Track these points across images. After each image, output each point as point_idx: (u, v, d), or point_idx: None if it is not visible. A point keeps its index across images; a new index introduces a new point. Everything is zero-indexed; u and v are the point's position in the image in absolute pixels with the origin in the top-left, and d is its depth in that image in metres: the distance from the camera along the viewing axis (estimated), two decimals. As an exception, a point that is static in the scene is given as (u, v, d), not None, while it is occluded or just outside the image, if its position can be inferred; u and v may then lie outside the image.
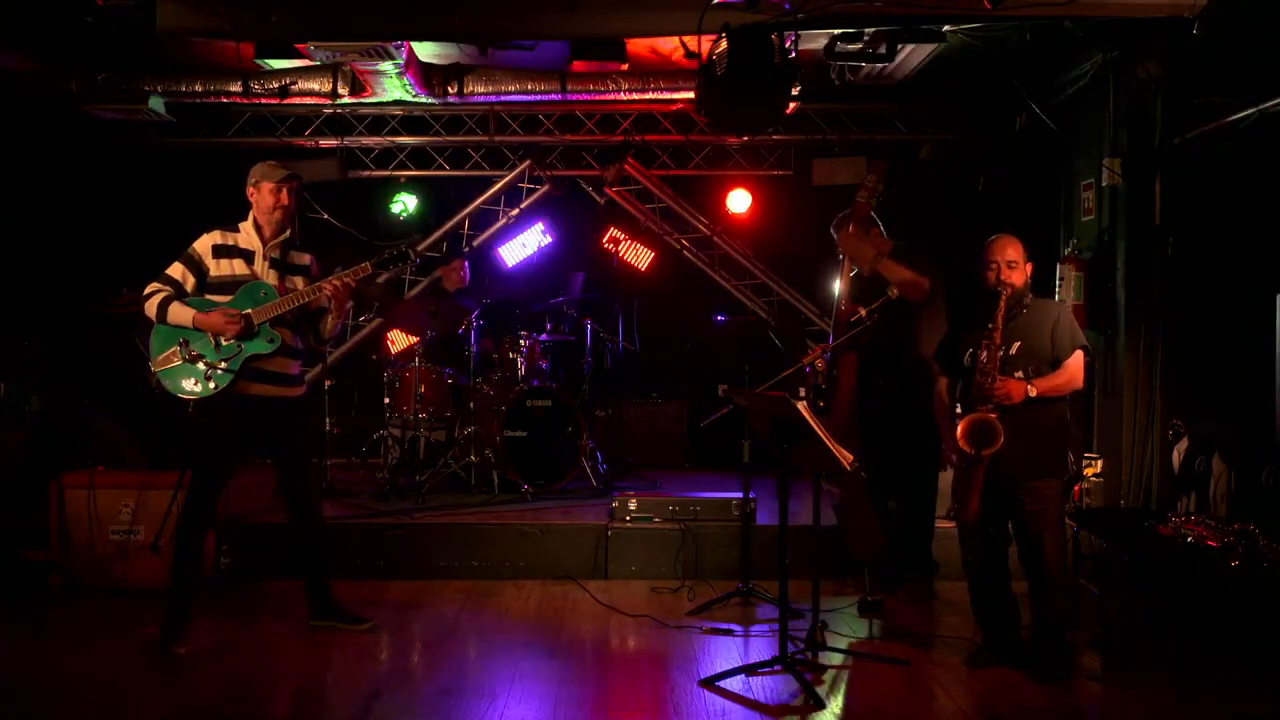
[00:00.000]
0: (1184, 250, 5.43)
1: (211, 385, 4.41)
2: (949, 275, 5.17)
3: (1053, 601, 4.21)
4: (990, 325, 4.18)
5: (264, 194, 4.53)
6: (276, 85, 6.91)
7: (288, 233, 4.61)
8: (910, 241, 5.34)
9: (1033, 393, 4.12)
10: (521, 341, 7.23)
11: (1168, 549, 4.23)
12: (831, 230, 5.37)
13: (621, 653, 4.62)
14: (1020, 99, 6.65)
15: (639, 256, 8.39)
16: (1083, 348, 4.24)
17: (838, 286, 5.31)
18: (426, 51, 6.84)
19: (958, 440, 4.12)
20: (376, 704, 3.95)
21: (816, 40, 6.20)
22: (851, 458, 4.18)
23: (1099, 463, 5.47)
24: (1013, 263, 4.26)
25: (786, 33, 5.04)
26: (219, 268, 4.50)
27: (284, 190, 4.53)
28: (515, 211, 8.41)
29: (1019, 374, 4.18)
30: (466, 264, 7.89)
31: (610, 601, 5.29)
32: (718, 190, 8.48)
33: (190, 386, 4.42)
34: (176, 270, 4.49)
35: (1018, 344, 4.23)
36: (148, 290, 4.46)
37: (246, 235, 4.56)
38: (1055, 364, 4.22)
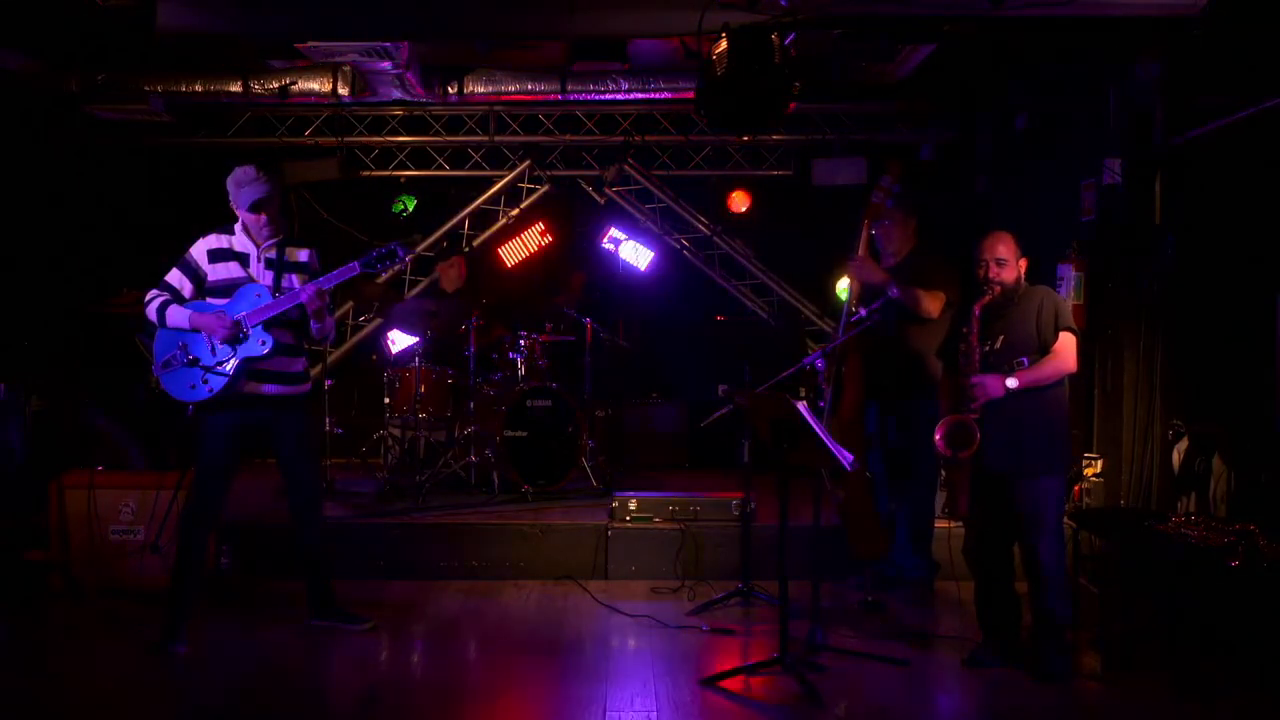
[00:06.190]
0: (1184, 250, 5.42)
1: (207, 388, 4.42)
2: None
3: (1048, 600, 4.20)
4: (965, 328, 4.17)
5: (237, 210, 4.55)
6: (276, 85, 6.90)
7: (282, 234, 4.60)
8: (930, 243, 5.36)
9: (1012, 384, 4.08)
10: (521, 341, 7.23)
11: (1168, 549, 4.22)
12: (865, 217, 5.32)
13: (622, 653, 4.62)
14: (1020, 99, 6.64)
15: (639, 256, 8.39)
16: (1069, 329, 4.17)
17: (844, 286, 5.31)
18: (427, 51, 6.84)
19: (938, 443, 4.13)
20: (376, 704, 3.95)
21: (816, 40, 6.19)
22: (852, 457, 4.18)
23: (1099, 463, 5.46)
24: (1002, 260, 4.21)
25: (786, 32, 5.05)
26: (215, 271, 4.51)
27: (246, 212, 4.50)
28: (515, 211, 8.42)
29: (1007, 369, 4.15)
30: (464, 261, 7.88)
31: (610, 601, 5.29)
32: (718, 190, 8.48)
33: (188, 390, 4.44)
34: (174, 277, 4.52)
35: (1001, 338, 4.20)
36: (147, 297, 4.51)
37: (241, 237, 4.57)
38: (1045, 350, 4.17)
